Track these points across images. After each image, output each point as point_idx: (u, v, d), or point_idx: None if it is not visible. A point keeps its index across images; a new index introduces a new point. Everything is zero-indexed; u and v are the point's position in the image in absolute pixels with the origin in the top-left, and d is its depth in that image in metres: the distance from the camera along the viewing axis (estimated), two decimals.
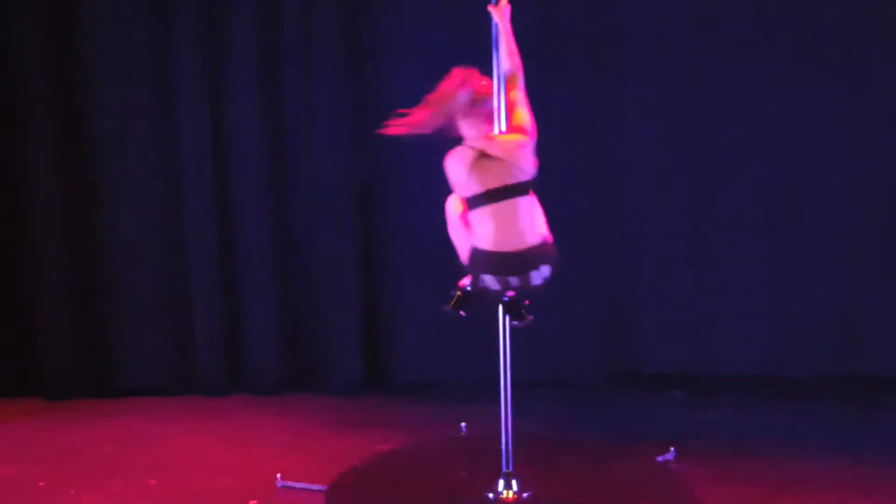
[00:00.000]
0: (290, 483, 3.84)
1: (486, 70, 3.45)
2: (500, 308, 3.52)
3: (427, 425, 4.68)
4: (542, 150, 3.39)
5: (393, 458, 4.18)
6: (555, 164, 4.39)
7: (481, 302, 3.53)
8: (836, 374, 5.18)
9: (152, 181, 5.28)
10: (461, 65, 3.40)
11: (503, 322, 3.53)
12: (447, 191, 3.51)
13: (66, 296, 5.24)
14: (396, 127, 3.30)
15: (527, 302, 3.51)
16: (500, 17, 3.46)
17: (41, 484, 3.96)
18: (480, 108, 3.38)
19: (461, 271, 3.55)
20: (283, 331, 5.31)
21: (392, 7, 5.19)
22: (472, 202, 3.33)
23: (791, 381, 5.17)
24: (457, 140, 3.42)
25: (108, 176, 5.26)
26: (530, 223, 3.34)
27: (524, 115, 3.38)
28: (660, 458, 4.03)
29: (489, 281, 3.37)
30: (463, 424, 4.49)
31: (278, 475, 3.87)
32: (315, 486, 3.78)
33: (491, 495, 3.58)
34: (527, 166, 3.32)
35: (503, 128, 3.41)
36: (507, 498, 3.55)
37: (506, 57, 3.45)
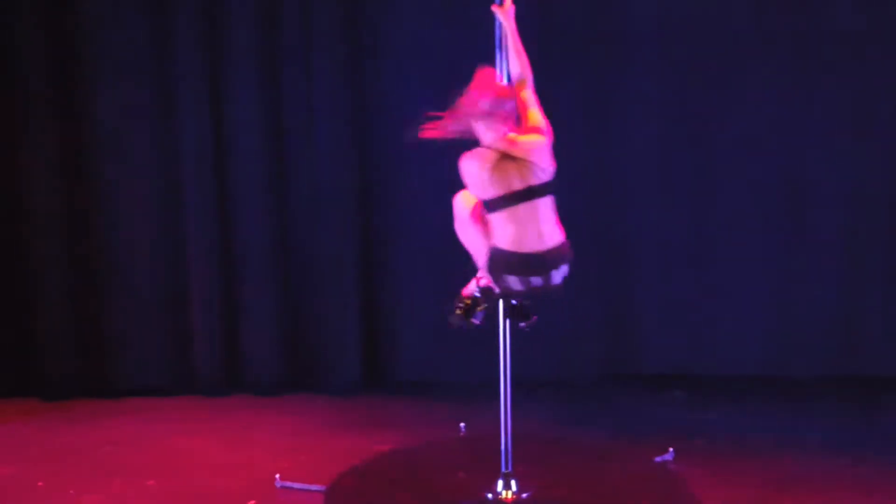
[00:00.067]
0: (289, 483, 3.84)
1: None
2: (502, 310, 3.52)
3: (427, 425, 4.68)
4: None
5: (392, 458, 4.18)
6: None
7: (489, 305, 3.52)
8: (835, 374, 5.19)
9: (152, 181, 5.27)
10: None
11: (503, 322, 3.53)
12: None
13: (66, 296, 5.23)
14: (433, 131, 3.30)
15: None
16: (505, 17, 3.45)
17: (40, 484, 3.96)
18: (499, 109, 3.36)
19: (467, 275, 3.54)
20: (282, 331, 5.31)
21: (392, 7, 5.18)
22: (493, 204, 3.29)
23: (791, 381, 5.17)
24: (469, 142, 3.38)
25: (108, 176, 5.25)
26: (550, 224, 3.34)
27: (538, 116, 3.36)
28: (658, 459, 4.03)
29: (512, 282, 3.35)
30: (462, 424, 4.49)
31: (277, 475, 3.87)
32: (314, 487, 3.78)
33: (490, 495, 3.58)
34: (548, 166, 3.31)
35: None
36: (507, 498, 3.55)
37: (514, 58, 3.43)
